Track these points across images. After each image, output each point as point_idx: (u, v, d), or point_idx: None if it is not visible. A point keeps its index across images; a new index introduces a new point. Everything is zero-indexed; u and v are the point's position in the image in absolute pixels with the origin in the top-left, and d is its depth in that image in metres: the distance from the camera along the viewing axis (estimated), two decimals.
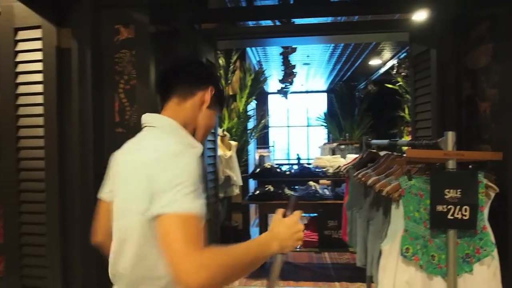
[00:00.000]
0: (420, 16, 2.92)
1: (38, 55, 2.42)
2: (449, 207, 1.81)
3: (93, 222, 1.41)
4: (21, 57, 2.45)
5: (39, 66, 2.42)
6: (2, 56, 2.45)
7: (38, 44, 2.43)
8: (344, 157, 6.20)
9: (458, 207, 1.81)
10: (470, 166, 1.89)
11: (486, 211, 1.89)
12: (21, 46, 2.45)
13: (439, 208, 1.82)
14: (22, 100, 2.46)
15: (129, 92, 2.48)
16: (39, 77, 2.43)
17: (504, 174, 2.01)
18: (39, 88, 2.43)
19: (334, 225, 4.66)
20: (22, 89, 2.46)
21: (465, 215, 1.81)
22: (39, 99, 2.43)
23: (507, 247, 1.99)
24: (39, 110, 2.43)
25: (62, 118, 2.43)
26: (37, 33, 2.42)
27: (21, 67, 2.45)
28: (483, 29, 2.30)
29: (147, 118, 1.29)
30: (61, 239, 2.42)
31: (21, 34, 2.45)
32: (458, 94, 2.56)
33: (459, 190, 1.81)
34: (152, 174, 1.08)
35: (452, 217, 1.81)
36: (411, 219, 1.88)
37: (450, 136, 1.86)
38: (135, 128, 2.44)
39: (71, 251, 2.44)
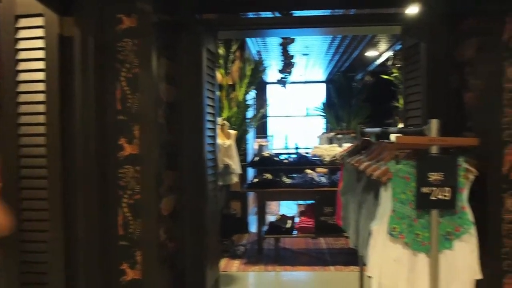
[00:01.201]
0: (412, 10, 3.00)
1: (40, 43, 2.45)
2: (432, 189, 1.94)
3: None
4: (22, 44, 2.47)
5: (40, 54, 2.45)
6: (3, 44, 2.47)
7: (40, 32, 2.45)
8: (341, 146, 6.30)
9: (440, 188, 1.94)
10: (451, 151, 2.01)
11: (465, 193, 2.01)
12: (22, 33, 2.47)
13: (424, 190, 1.95)
14: (23, 87, 2.48)
15: (131, 80, 2.53)
16: (41, 64, 2.45)
17: (485, 159, 2.12)
18: (40, 75, 2.46)
19: (330, 211, 4.76)
20: (23, 76, 2.48)
21: (446, 196, 1.94)
22: (41, 86, 2.46)
23: (486, 225, 2.11)
24: (41, 97, 2.45)
25: (64, 105, 2.47)
26: (38, 21, 2.44)
27: (22, 55, 2.47)
28: (469, 23, 2.41)
29: None
30: (64, 233, 2.46)
31: (23, 22, 2.46)
32: (447, 85, 2.66)
33: (441, 173, 1.94)
34: None
35: (434, 198, 1.94)
36: (398, 200, 2.00)
37: (434, 123, 1.98)
38: (137, 115, 2.51)
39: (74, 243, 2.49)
